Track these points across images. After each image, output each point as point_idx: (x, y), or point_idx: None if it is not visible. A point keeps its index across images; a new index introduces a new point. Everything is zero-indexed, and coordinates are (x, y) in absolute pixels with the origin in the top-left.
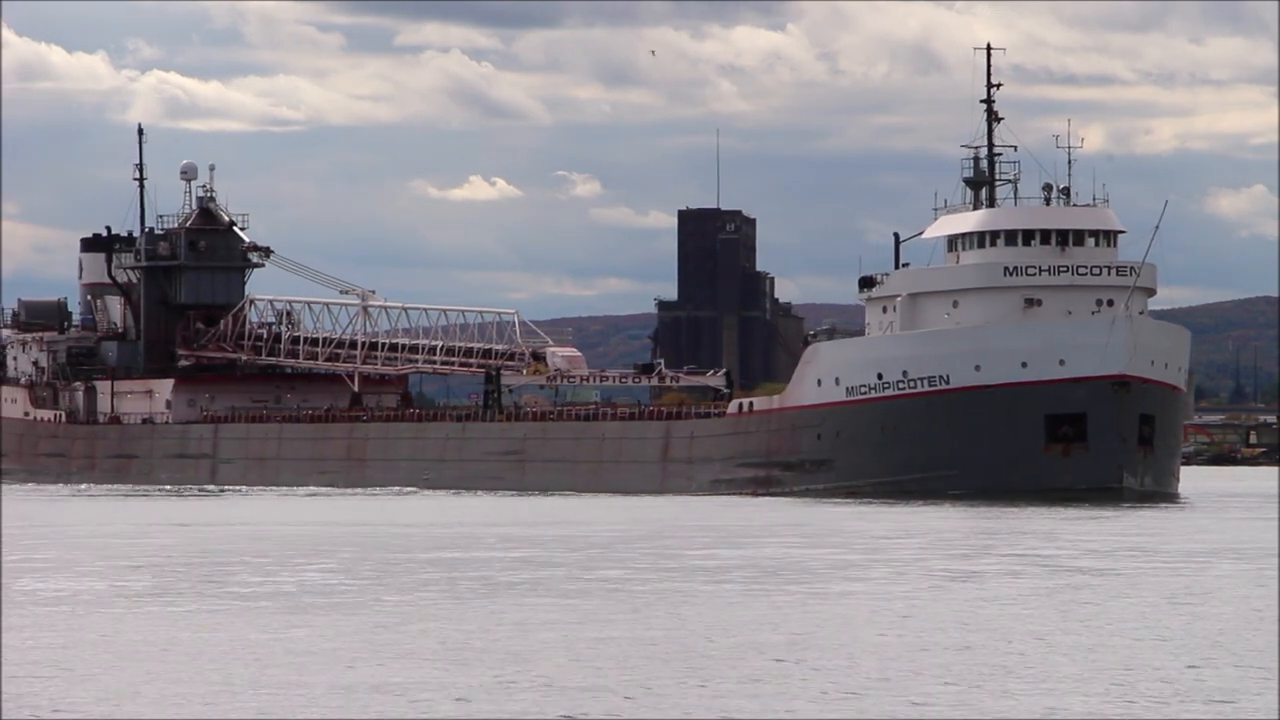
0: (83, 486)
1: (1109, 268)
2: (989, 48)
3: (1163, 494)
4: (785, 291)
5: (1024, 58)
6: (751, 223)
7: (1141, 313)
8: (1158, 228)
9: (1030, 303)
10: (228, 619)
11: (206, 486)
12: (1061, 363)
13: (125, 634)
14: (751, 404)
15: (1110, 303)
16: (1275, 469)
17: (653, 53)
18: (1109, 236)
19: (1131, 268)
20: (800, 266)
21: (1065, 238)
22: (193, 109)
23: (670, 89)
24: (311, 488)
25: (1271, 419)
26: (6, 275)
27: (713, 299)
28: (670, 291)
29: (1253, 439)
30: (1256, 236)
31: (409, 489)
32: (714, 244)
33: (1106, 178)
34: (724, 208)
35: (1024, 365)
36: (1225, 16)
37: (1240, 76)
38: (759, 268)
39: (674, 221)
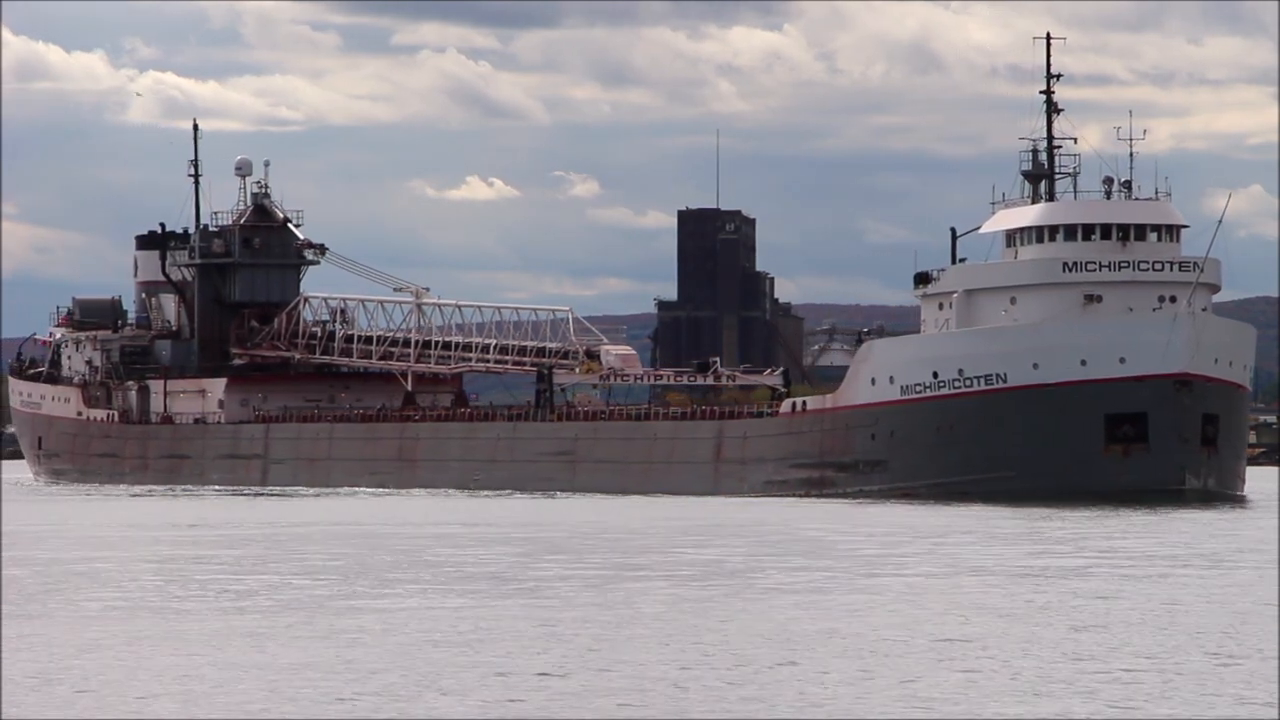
0: (138, 489)
1: (1171, 263)
2: (1048, 37)
3: (1227, 495)
4: (785, 291)
5: (1020, 58)
6: (751, 223)
7: (1204, 309)
8: (1220, 222)
9: (1090, 299)
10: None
11: (258, 488)
12: (1122, 361)
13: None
14: (805, 403)
15: (1173, 299)
16: (1275, 469)
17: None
18: (1171, 231)
19: (1194, 263)
20: (800, 266)
21: (1126, 232)
22: (191, 109)
23: (669, 89)
24: (362, 489)
25: (1271, 419)
26: (6, 275)
27: (713, 299)
28: (670, 291)
29: (1253, 439)
30: (1255, 236)
31: (458, 490)
32: (714, 244)
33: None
34: (724, 208)
35: (1083, 363)
36: (1223, 16)
37: (1238, 76)
38: (759, 268)
39: (673, 221)
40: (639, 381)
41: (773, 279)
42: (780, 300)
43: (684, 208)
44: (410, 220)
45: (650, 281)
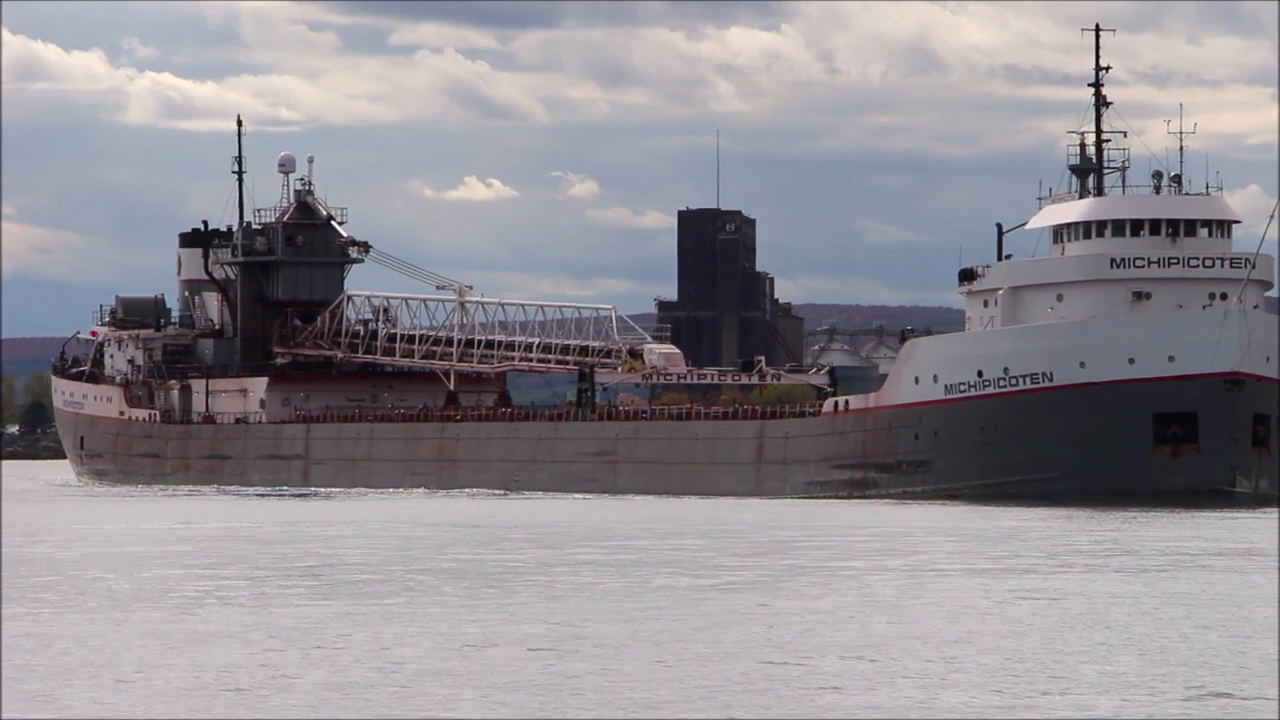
0: (184, 489)
1: (1222, 259)
2: (1097, 28)
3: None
4: (785, 291)
5: (1018, 58)
6: (751, 223)
7: (1256, 307)
8: (1273, 216)
9: (1139, 296)
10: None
11: (300, 490)
12: (1171, 359)
13: None
14: (848, 402)
15: (1224, 296)
16: None
17: None
18: (1223, 226)
19: (1246, 259)
20: (800, 266)
21: (1176, 228)
22: (189, 109)
23: (667, 89)
24: (403, 489)
25: None
26: (5, 275)
27: (713, 299)
28: (670, 292)
29: None
30: (1252, 237)
31: (499, 491)
32: (714, 244)
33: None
34: (723, 208)
35: (1131, 362)
36: (1222, 17)
37: (1236, 77)
38: (759, 268)
39: (671, 221)
40: (682, 380)
41: (773, 279)
42: (780, 300)
43: (684, 208)
44: (408, 220)
45: (650, 282)
